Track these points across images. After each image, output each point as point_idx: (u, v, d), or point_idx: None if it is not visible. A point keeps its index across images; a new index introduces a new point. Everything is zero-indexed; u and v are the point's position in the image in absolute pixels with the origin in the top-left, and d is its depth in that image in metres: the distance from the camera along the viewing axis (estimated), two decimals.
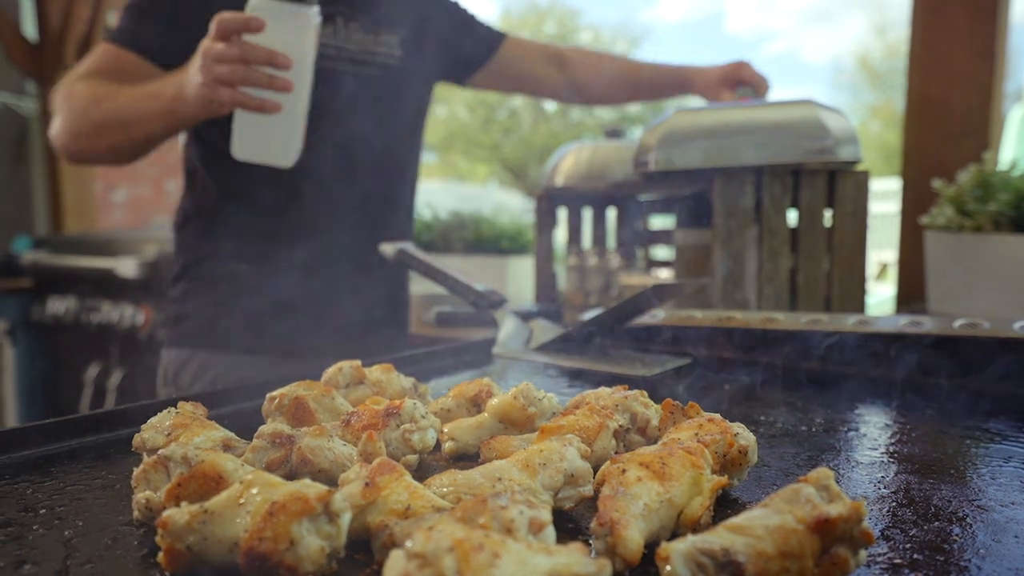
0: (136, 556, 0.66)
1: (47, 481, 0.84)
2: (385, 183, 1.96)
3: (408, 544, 0.54)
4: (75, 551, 0.67)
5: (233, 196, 1.82)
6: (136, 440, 0.85)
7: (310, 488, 0.63)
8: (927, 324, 1.29)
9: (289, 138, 1.47)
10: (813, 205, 1.97)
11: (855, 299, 2.02)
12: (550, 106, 19.42)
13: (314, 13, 1.43)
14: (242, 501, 0.62)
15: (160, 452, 0.73)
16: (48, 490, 0.81)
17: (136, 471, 0.74)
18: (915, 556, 0.66)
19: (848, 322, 1.36)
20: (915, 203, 2.45)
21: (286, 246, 1.80)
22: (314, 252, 1.82)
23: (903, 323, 1.33)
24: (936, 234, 1.97)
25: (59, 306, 4.10)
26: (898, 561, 0.65)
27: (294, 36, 1.41)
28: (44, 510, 0.76)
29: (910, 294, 2.54)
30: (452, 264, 1.85)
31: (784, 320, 1.41)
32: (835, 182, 1.97)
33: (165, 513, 0.62)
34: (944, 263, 1.94)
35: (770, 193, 1.92)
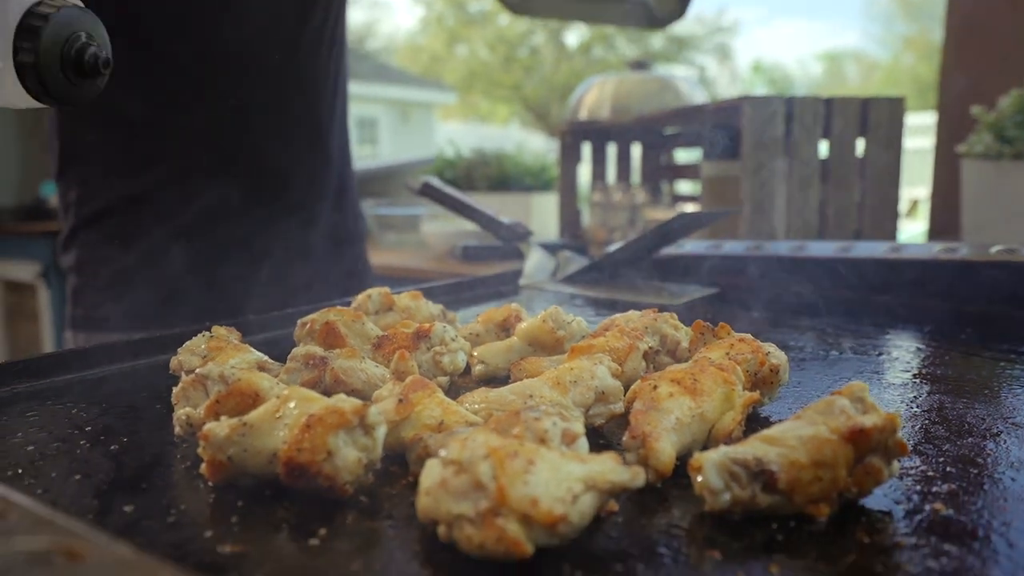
0: (180, 468, 0.68)
1: (91, 402, 0.86)
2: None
3: (443, 452, 0.55)
4: (122, 464, 0.69)
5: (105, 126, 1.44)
6: (173, 362, 0.86)
7: (346, 402, 0.64)
8: (962, 250, 1.27)
9: None
10: (845, 134, 1.93)
11: (887, 232, 1.98)
12: (572, 42, 19.02)
13: None
14: (279, 415, 0.64)
15: (198, 371, 0.75)
16: (93, 410, 0.83)
17: (176, 389, 0.76)
18: (948, 469, 0.66)
19: (880, 249, 1.33)
20: (951, 132, 2.39)
21: (177, 195, 1.45)
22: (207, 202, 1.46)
23: (937, 249, 1.31)
24: (973, 162, 1.92)
25: None
26: (931, 473, 0.65)
27: None
28: (90, 428, 0.78)
29: (943, 229, 2.49)
30: (476, 199, 1.84)
31: (814, 247, 1.39)
32: (868, 110, 1.92)
33: (206, 426, 0.63)
34: (981, 192, 1.89)
35: (801, 122, 1.88)
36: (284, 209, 1.53)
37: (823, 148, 1.94)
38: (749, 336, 0.82)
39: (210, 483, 0.64)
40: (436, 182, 1.77)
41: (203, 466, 0.63)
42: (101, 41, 0.84)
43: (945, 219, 2.48)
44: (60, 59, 0.79)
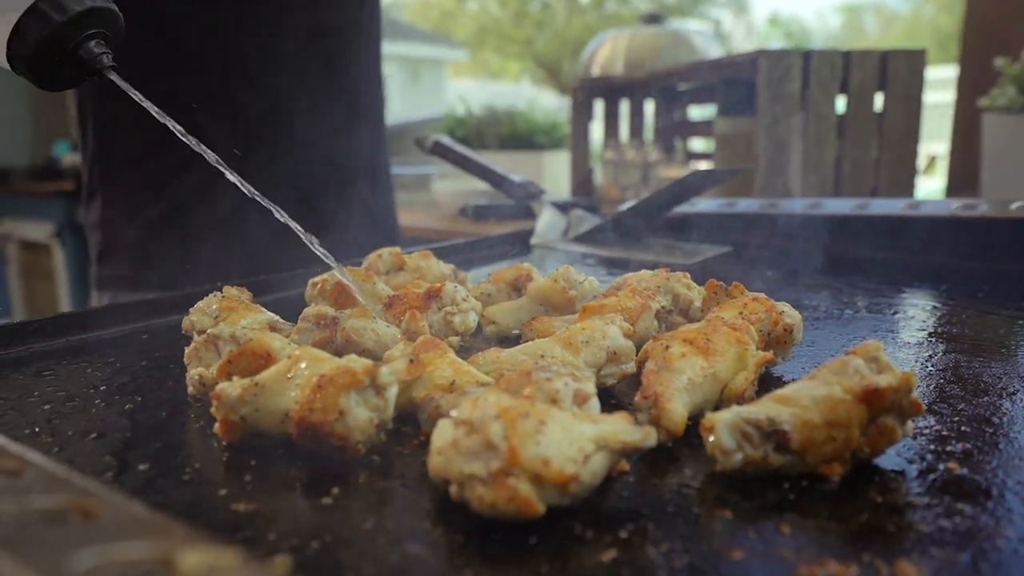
0: (194, 427, 0.69)
1: (105, 361, 0.87)
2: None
3: (455, 413, 0.55)
4: (137, 423, 0.69)
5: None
6: (185, 322, 0.87)
7: (357, 362, 0.64)
8: (982, 207, 1.24)
9: None
10: (864, 88, 1.88)
11: (904, 189, 1.95)
12: None
13: None
14: (291, 375, 0.64)
15: (209, 331, 0.75)
16: (107, 369, 0.84)
17: (188, 349, 0.76)
18: (963, 428, 0.65)
19: (897, 206, 1.31)
20: (973, 85, 2.33)
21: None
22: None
23: (956, 206, 1.28)
24: (995, 116, 1.87)
25: None
26: (945, 433, 0.64)
27: None
28: (104, 387, 0.79)
29: (962, 186, 2.45)
30: (487, 158, 1.82)
31: (830, 205, 1.37)
32: (887, 63, 1.87)
33: (219, 386, 0.64)
34: (1002, 147, 1.85)
35: (818, 76, 1.84)
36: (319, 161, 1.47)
37: (840, 103, 1.90)
38: (763, 295, 0.81)
39: (224, 442, 0.64)
40: (447, 140, 1.75)
41: (216, 425, 0.64)
42: (111, 47, 0.83)
43: (964, 175, 2.43)
44: (63, 45, 0.78)
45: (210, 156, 0.90)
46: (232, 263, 1.38)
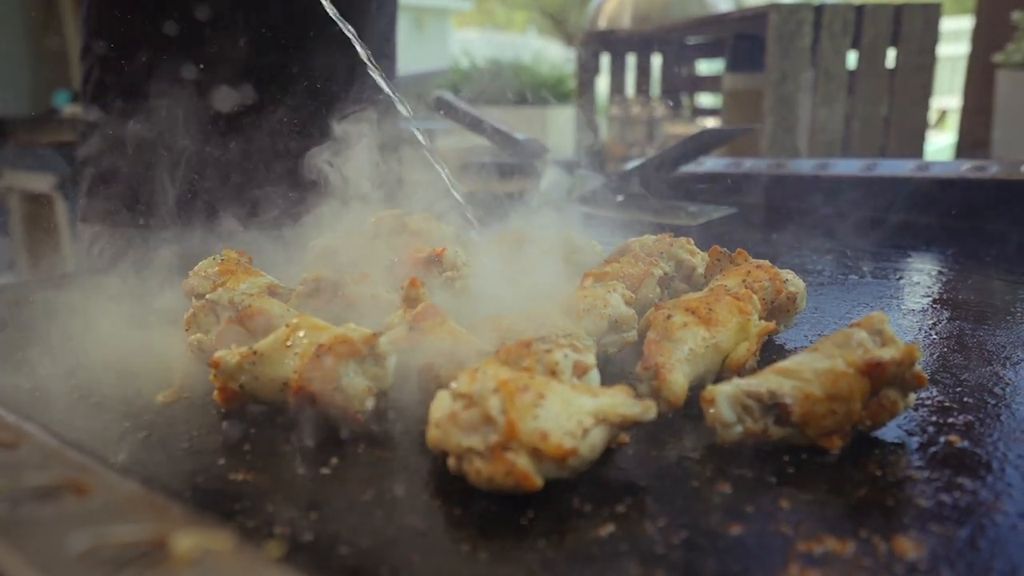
0: (194, 396, 0.69)
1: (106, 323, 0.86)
2: None
3: (454, 385, 0.55)
4: (137, 391, 0.69)
5: None
6: (185, 286, 0.86)
7: (355, 331, 0.63)
8: (992, 168, 1.22)
9: None
10: (876, 43, 1.84)
11: (914, 147, 1.92)
12: None
13: None
14: (289, 343, 0.63)
15: (207, 297, 0.74)
16: (107, 333, 0.83)
17: (186, 315, 0.76)
18: (965, 399, 0.65)
19: (906, 167, 1.29)
20: (988, 39, 2.27)
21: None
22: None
23: (965, 168, 1.26)
24: (1010, 73, 1.83)
25: None
26: (948, 404, 0.64)
27: None
28: (102, 354, 0.78)
29: (972, 141, 2.41)
30: (491, 115, 1.79)
31: (838, 165, 1.35)
32: (901, 17, 1.83)
33: (217, 354, 0.63)
34: (1016, 104, 1.82)
35: (829, 31, 1.79)
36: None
37: (851, 59, 1.86)
38: (766, 262, 0.80)
39: (223, 410, 0.64)
40: (450, 97, 1.72)
41: (215, 393, 0.64)
42: None
43: (975, 132, 2.39)
44: None
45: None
46: (224, 203, 1.35)
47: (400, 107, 0.87)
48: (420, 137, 0.85)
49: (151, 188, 1.39)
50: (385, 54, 1.60)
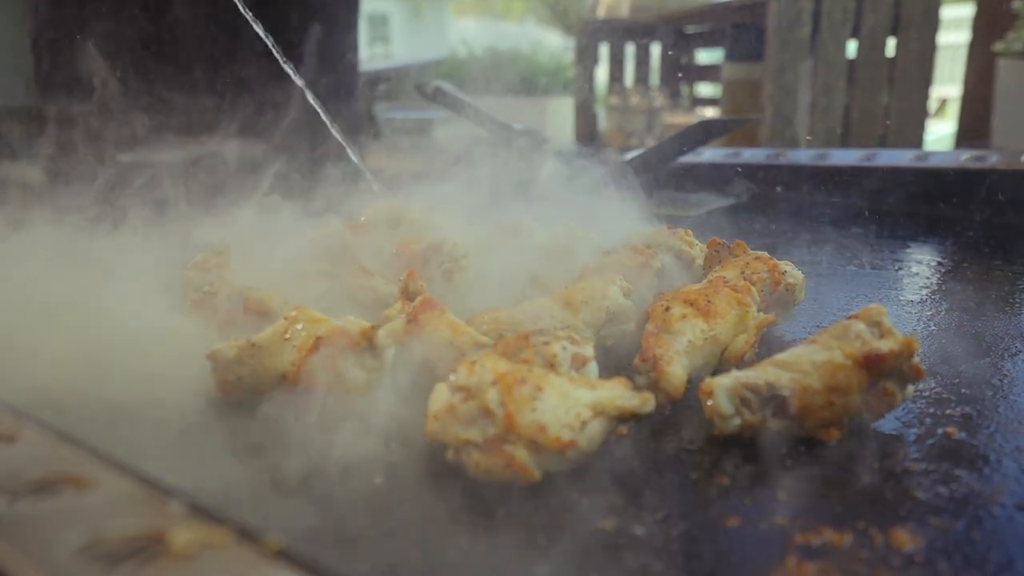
0: (195, 388, 0.68)
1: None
2: None
3: (452, 377, 0.55)
4: (137, 386, 0.69)
5: None
6: (184, 278, 0.86)
7: (353, 324, 0.63)
8: (992, 158, 1.22)
9: None
10: (876, 32, 1.83)
11: (913, 137, 1.92)
12: None
13: None
14: (287, 336, 0.63)
15: (206, 289, 0.74)
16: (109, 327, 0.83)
17: (186, 307, 0.75)
18: (963, 391, 0.65)
19: (905, 157, 1.29)
20: (988, 28, 2.26)
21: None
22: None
23: (964, 158, 1.26)
24: (1011, 62, 1.82)
25: None
26: (945, 396, 0.64)
27: None
28: (104, 348, 0.78)
29: (972, 131, 2.40)
30: (489, 104, 1.78)
31: (837, 156, 1.35)
32: (901, 6, 1.82)
33: (214, 347, 0.63)
34: (1017, 93, 1.81)
35: (829, 20, 1.79)
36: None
37: (851, 48, 1.86)
38: (765, 254, 0.80)
39: (220, 403, 0.64)
40: (448, 87, 1.72)
41: (213, 385, 0.64)
42: None
43: (975, 121, 2.39)
44: None
45: None
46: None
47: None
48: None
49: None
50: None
